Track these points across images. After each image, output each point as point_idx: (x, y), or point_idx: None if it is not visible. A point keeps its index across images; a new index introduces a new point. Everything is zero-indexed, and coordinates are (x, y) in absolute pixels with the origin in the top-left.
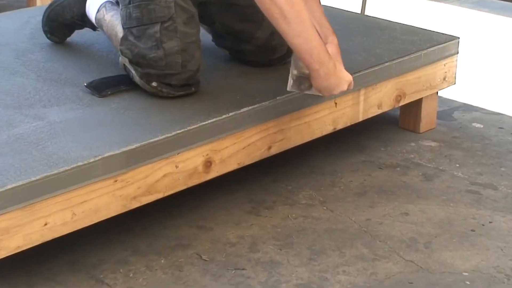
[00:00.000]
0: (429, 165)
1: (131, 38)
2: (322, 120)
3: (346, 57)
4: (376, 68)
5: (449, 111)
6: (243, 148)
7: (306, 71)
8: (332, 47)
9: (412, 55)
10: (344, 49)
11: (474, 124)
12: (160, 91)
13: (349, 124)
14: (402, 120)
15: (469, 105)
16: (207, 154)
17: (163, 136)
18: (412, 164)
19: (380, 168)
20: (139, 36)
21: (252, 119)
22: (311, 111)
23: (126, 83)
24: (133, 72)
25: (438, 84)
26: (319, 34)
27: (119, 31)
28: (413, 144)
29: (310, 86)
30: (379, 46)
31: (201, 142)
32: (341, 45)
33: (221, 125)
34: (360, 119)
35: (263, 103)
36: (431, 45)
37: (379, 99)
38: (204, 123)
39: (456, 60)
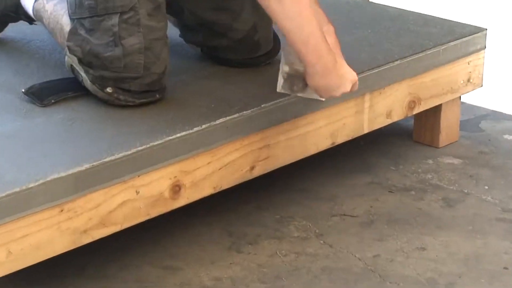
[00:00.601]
0: (451, 187)
1: (81, 31)
2: (318, 133)
3: (347, 54)
4: (384, 67)
5: (475, 120)
6: (220, 169)
7: (301, 68)
8: (329, 37)
9: (429, 51)
10: (344, 44)
11: (505, 136)
12: (117, 99)
13: (351, 138)
14: (416, 132)
15: (499, 112)
16: (175, 177)
17: (120, 155)
18: (430, 186)
19: (391, 191)
20: (92, 29)
21: (231, 132)
22: (304, 122)
23: (74, 89)
24: (83, 74)
25: (461, 87)
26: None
27: (65, 23)
28: (430, 161)
29: (305, 87)
30: (387, 40)
31: (168, 162)
32: (340, 39)
33: (192, 140)
34: (365, 131)
35: (244, 112)
36: (452, 39)
37: (388, 106)
38: (170, 137)
39: (483, 57)
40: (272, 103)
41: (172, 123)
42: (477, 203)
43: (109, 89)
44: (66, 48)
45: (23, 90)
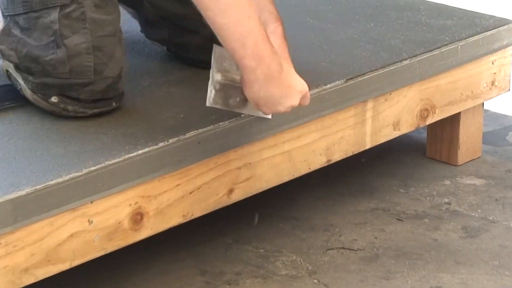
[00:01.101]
0: (473, 213)
1: (15, 31)
2: (310, 148)
3: (344, 52)
4: (390, 68)
5: (502, 132)
6: (191, 193)
7: (236, 76)
8: (276, 38)
9: (445, 48)
10: (341, 40)
11: None
12: (64, 110)
13: (351, 154)
14: (430, 146)
15: None
16: (136, 203)
17: (69, 176)
18: (446, 212)
19: (399, 219)
20: (28, 28)
21: (204, 148)
22: (292, 135)
23: (12, 98)
24: (22, 82)
25: (484, 92)
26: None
27: None
28: (447, 182)
29: (245, 101)
30: (394, 36)
31: (127, 185)
32: (337, 34)
33: (156, 158)
34: (368, 146)
35: (220, 124)
36: (473, 33)
37: (395, 115)
38: (130, 155)
39: (511, 55)
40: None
41: (133, 138)
42: (504, 233)
43: (54, 99)
44: None
45: None
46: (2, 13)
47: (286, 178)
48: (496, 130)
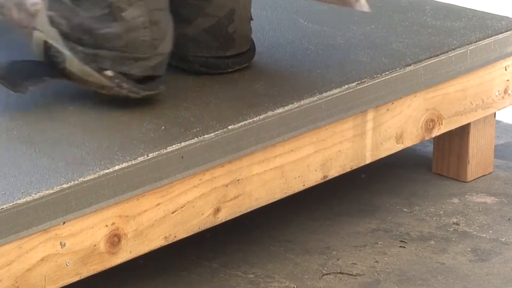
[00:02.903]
0: (483, 234)
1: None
2: (305, 163)
3: (341, 57)
4: (392, 75)
5: None
6: (173, 213)
7: None
8: None
9: (452, 53)
10: (338, 44)
11: None
12: (118, 86)
13: (349, 170)
14: (437, 161)
15: None
16: (113, 223)
17: (39, 195)
18: (455, 234)
19: (403, 241)
20: None
21: (187, 163)
22: (285, 149)
23: (48, 73)
24: (68, 53)
25: (496, 101)
26: None
27: None
28: (456, 200)
29: None
30: (397, 39)
31: (103, 204)
32: (333, 38)
33: (135, 175)
34: (368, 161)
35: (205, 136)
36: (484, 36)
37: (398, 126)
38: (106, 171)
39: None
40: (242, 124)
41: (109, 152)
42: None
43: (110, 72)
44: (44, 19)
45: None
46: None
47: (278, 196)
48: (509, 143)
